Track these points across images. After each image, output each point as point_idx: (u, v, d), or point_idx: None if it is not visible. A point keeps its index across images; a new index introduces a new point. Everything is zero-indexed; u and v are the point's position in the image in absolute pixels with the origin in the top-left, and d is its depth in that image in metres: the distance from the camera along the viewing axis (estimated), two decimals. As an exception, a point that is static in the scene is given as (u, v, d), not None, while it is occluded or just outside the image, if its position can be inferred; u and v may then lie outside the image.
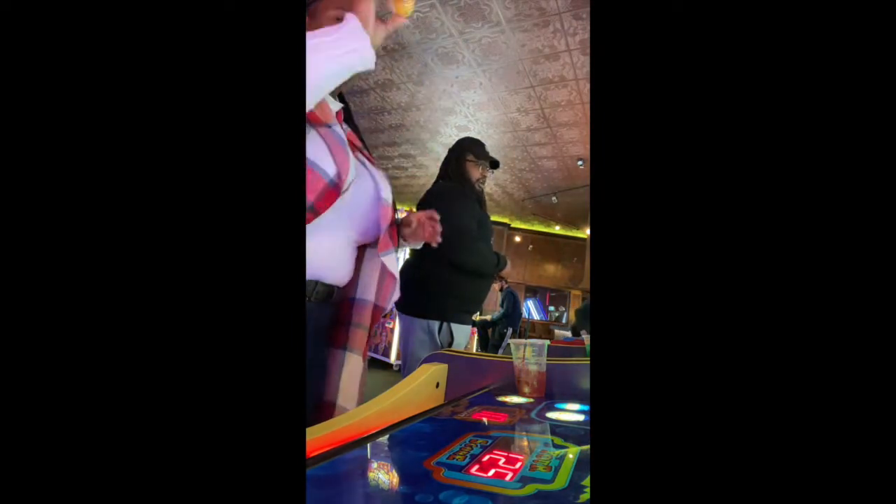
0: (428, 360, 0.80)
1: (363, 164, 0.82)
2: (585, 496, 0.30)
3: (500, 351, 5.24)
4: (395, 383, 0.68)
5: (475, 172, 1.62)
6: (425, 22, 3.05)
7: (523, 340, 0.75)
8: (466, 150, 1.63)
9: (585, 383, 0.73)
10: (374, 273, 0.83)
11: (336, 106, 0.81)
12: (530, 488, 0.32)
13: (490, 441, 0.43)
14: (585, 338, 1.25)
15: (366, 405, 0.59)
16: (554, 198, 6.42)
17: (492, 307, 6.10)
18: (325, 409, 0.74)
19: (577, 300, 8.77)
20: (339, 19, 0.69)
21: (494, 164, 1.67)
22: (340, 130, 0.75)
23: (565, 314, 9.05)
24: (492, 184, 6.45)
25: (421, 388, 0.71)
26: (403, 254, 1.16)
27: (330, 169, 0.68)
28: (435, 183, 1.65)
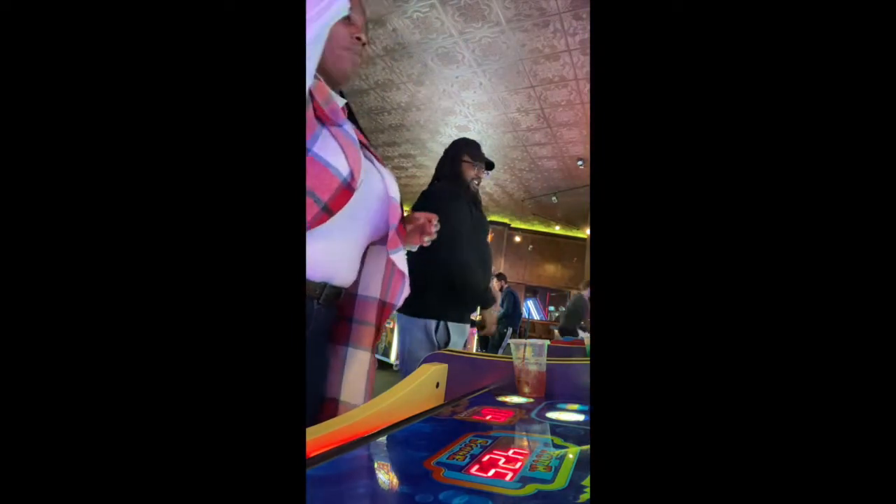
0: (428, 360, 0.80)
1: (371, 161, 0.81)
2: (585, 496, 0.30)
3: (500, 351, 5.24)
4: (395, 383, 0.68)
5: (470, 173, 1.62)
6: (425, 22, 3.05)
7: (523, 340, 0.75)
8: (462, 151, 1.63)
9: (585, 383, 0.73)
10: (379, 270, 0.83)
11: (340, 102, 0.80)
12: (530, 488, 0.32)
13: (490, 441, 0.43)
14: (585, 337, 1.25)
15: (366, 405, 0.59)
16: (554, 198, 6.42)
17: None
18: (329, 406, 0.74)
19: (576, 300, 8.76)
20: None
21: (490, 166, 1.68)
22: (350, 129, 0.74)
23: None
24: (492, 184, 6.45)
25: (421, 388, 0.71)
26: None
27: (343, 168, 0.67)
28: (430, 184, 1.65)
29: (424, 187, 1.65)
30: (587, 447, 0.42)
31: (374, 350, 0.83)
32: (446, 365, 0.79)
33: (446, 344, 1.50)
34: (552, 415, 0.59)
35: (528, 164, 5.58)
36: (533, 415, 0.59)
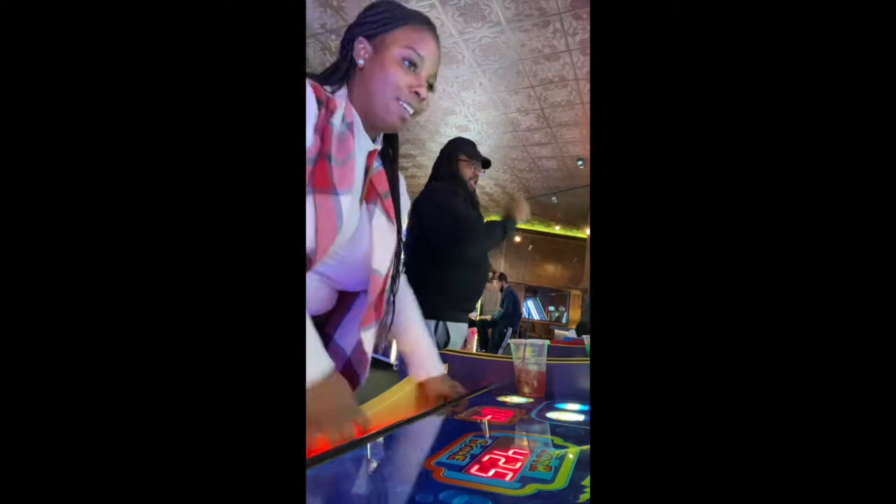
0: (428, 360, 0.80)
1: (379, 216, 0.71)
2: (585, 496, 0.30)
3: (500, 351, 5.25)
4: (395, 383, 0.68)
5: (467, 172, 1.62)
6: (425, 22, 3.04)
7: (523, 340, 0.75)
8: (458, 150, 1.63)
9: (585, 383, 0.73)
10: (353, 338, 0.74)
11: (370, 146, 0.70)
12: (530, 488, 0.32)
13: (490, 441, 0.43)
14: (585, 338, 1.25)
15: (365, 405, 0.59)
16: (554, 198, 6.42)
17: (493, 307, 6.10)
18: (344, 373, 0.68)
19: (577, 300, 8.77)
20: (407, 60, 0.65)
21: (486, 164, 1.68)
22: (349, 200, 0.63)
23: (565, 314, 9.05)
24: (492, 184, 6.45)
25: (409, 397, 0.71)
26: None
27: (308, 243, 0.59)
28: (427, 184, 1.66)
29: (423, 188, 1.66)
30: (587, 447, 0.42)
31: (371, 325, 0.74)
32: (446, 365, 0.79)
33: (446, 344, 1.50)
34: (552, 415, 0.59)
35: (528, 164, 5.58)
36: (533, 415, 0.59)
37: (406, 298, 0.87)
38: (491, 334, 5.79)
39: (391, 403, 0.68)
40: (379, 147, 0.72)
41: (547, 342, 0.76)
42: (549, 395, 0.73)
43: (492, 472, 0.34)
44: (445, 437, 0.43)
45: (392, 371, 4.81)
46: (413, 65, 0.67)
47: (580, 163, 5.19)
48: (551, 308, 9.35)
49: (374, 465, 0.38)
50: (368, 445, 0.41)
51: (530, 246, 8.85)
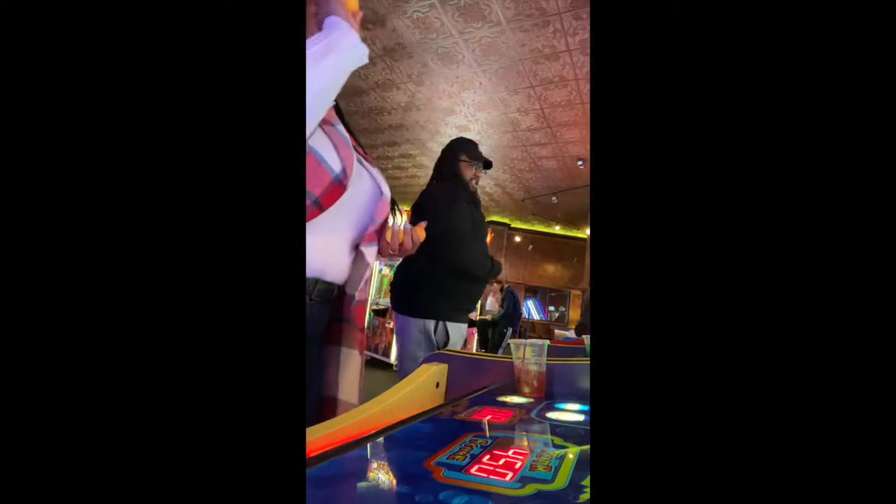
0: (428, 360, 0.80)
1: (360, 161, 0.82)
2: (585, 496, 0.30)
3: (500, 351, 5.25)
4: (395, 383, 0.68)
5: (468, 173, 1.62)
6: (425, 22, 3.05)
7: (523, 340, 0.75)
8: (460, 151, 1.63)
9: (585, 383, 0.73)
10: (362, 268, 0.83)
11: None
12: (530, 488, 0.32)
13: (490, 441, 0.43)
14: (585, 338, 1.25)
15: (366, 405, 0.59)
16: (554, 198, 6.42)
17: (493, 307, 6.10)
18: (328, 405, 0.74)
19: (577, 300, 8.77)
20: (317, 16, 0.70)
21: (487, 165, 1.68)
22: (343, 129, 0.75)
23: (565, 314, 9.06)
24: (492, 184, 6.46)
25: (421, 388, 0.71)
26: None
27: (336, 164, 0.68)
28: (429, 184, 1.66)
29: (424, 188, 1.66)
30: (587, 447, 0.42)
31: (363, 350, 0.83)
32: (446, 365, 0.79)
33: (445, 344, 1.50)
34: (552, 415, 0.59)
35: (528, 164, 5.58)
36: (533, 415, 0.59)
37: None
38: (491, 334, 5.80)
39: (412, 389, 0.68)
40: (335, 102, 0.81)
41: (547, 342, 0.76)
42: (549, 395, 0.73)
43: (492, 472, 0.34)
44: (445, 437, 0.43)
45: (393, 371, 4.82)
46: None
47: (580, 163, 5.19)
48: (551, 308, 9.36)
49: (374, 465, 0.38)
50: (368, 445, 0.41)
51: (530, 246, 8.85)
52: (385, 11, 2.96)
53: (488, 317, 5.91)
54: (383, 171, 0.86)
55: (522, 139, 4.88)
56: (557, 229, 8.69)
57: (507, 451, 0.40)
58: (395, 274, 1.62)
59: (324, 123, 0.71)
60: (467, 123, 4.64)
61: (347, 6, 0.69)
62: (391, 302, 1.59)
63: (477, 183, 1.65)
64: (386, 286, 5.72)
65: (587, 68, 3.34)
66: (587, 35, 2.96)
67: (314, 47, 0.60)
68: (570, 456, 0.39)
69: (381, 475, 0.36)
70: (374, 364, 5.18)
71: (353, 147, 0.82)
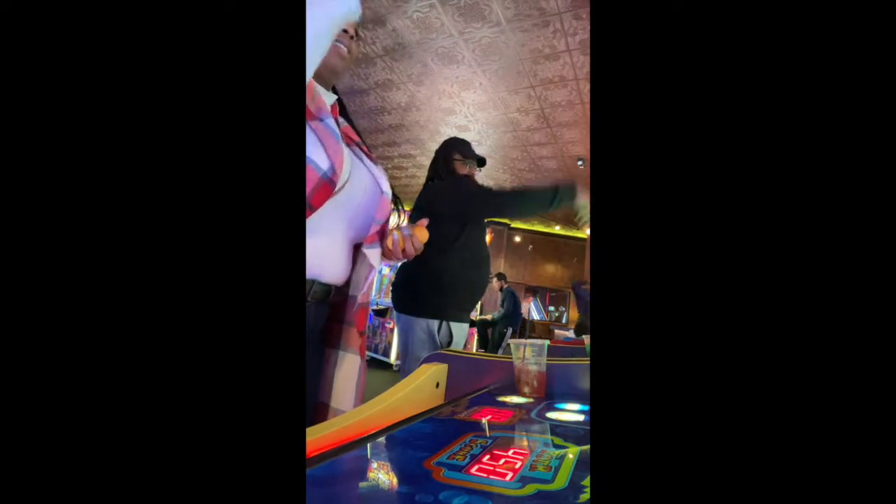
0: (428, 360, 0.80)
1: (360, 158, 0.81)
2: (585, 496, 0.30)
3: (500, 351, 5.25)
4: (395, 383, 0.68)
5: (462, 171, 1.62)
6: (425, 22, 3.05)
7: (523, 340, 0.75)
8: (453, 150, 1.64)
9: (585, 383, 0.73)
10: (364, 270, 0.82)
11: (330, 99, 0.80)
12: (530, 488, 0.32)
13: (490, 441, 0.43)
14: (585, 338, 1.25)
15: (366, 405, 0.59)
16: (554, 198, 6.40)
17: (493, 307, 6.11)
18: (319, 411, 0.74)
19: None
20: None
21: (481, 162, 1.68)
22: (333, 124, 0.73)
23: (565, 314, 9.05)
24: (492, 184, 6.45)
25: (421, 388, 0.71)
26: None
27: (323, 162, 0.67)
28: (425, 185, 1.66)
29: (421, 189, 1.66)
30: (587, 447, 0.42)
31: (364, 352, 0.82)
32: (446, 365, 0.79)
33: (448, 343, 1.50)
34: (552, 415, 0.59)
35: (528, 164, 5.58)
36: (533, 415, 0.59)
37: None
38: (491, 334, 5.80)
39: (412, 389, 0.68)
40: (336, 97, 0.82)
41: (547, 342, 0.76)
42: (549, 395, 0.73)
43: (492, 472, 0.34)
44: (445, 437, 0.43)
45: (392, 371, 4.82)
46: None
47: (580, 163, 5.19)
48: (551, 308, 9.35)
49: (374, 465, 0.38)
50: (368, 445, 0.41)
51: (530, 246, 8.85)
52: (385, 11, 2.96)
53: (488, 317, 5.91)
54: (382, 168, 0.85)
55: (522, 139, 4.88)
56: (557, 229, 8.69)
57: (507, 451, 0.40)
58: (397, 274, 1.62)
59: (310, 119, 0.69)
60: (467, 123, 4.63)
61: None
62: (393, 302, 1.59)
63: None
64: (386, 285, 5.72)
65: (587, 68, 3.34)
66: (587, 35, 2.96)
67: None
68: (570, 456, 0.39)
69: (381, 475, 0.36)
70: (375, 364, 5.18)
71: (357, 143, 0.82)
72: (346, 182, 0.71)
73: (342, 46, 0.79)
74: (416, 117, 4.66)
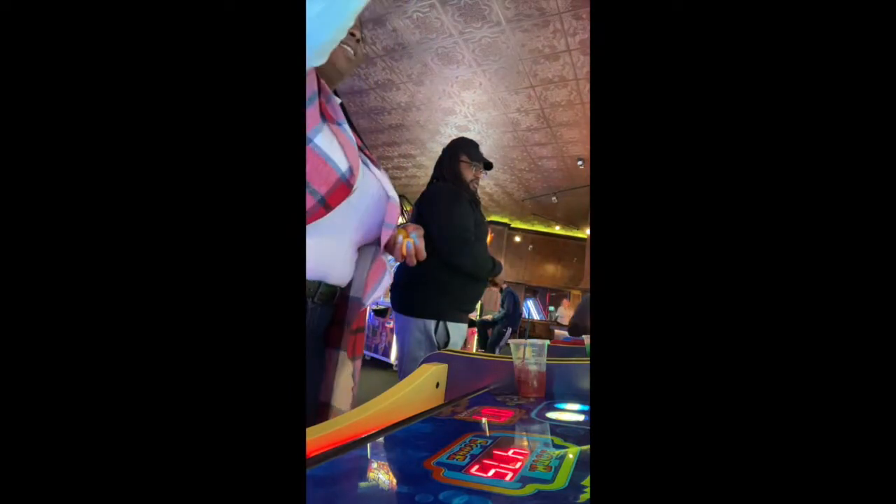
0: (428, 360, 0.80)
1: (365, 163, 0.82)
2: (585, 496, 0.30)
3: (498, 350, 5.25)
4: (394, 383, 0.68)
5: (469, 173, 1.62)
6: (425, 22, 3.05)
7: (523, 340, 0.75)
8: (460, 151, 1.63)
9: (585, 383, 0.73)
10: (365, 271, 0.83)
11: (336, 101, 0.81)
12: (530, 488, 0.32)
13: (490, 441, 0.43)
14: (585, 338, 1.25)
15: (366, 405, 0.59)
16: (554, 198, 6.42)
17: (493, 307, 6.11)
18: (320, 411, 0.74)
19: (577, 300, 8.76)
20: None
21: (488, 166, 1.67)
22: (349, 128, 0.75)
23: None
24: (492, 184, 6.45)
25: (421, 388, 0.71)
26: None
27: (342, 164, 0.68)
28: (429, 184, 1.65)
29: (424, 188, 1.65)
30: (587, 447, 0.42)
31: (360, 353, 0.83)
32: (446, 365, 0.79)
33: (446, 344, 1.50)
34: (552, 415, 0.59)
35: (528, 164, 5.58)
36: (533, 415, 0.59)
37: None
38: (490, 334, 5.80)
39: (412, 389, 0.68)
40: (340, 101, 0.82)
41: (547, 342, 0.76)
42: (549, 395, 0.73)
43: (492, 472, 0.34)
44: (445, 437, 0.43)
45: (392, 371, 4.81)
46: None
47: (580, 163, 5.19)
48: (551, 308, 9.35)
49: (374, 465, 0.38)
50: (368, 445, 0.41)
51: (530, 246, 8.85)
52: (385, 11, 2.96)
53: (488, 317, 5.91)
54: (384, 170, 0.85)
55: (522, 139, 4.88)
56: (557, 229, 8.69)
57: (507, 451, 0.40)
58: (396, 274, 1.62)
59: (330, 122, 0.70)
60: (467, 123, 4.63)
61: None
62: (391, 302, 1.59)
63: (477, 184, 1.65)
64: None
65: (587, 68, 3.34)
66: (587, 35, 2.96)
67: None
68: (570, 456, 0.39)
69: (381, 475, 0.36)
70: (375, 364, 5.18)
71: (360, 148, 0.82)
72: (356, 185, 0.72)
73: (348, 48, 0.79)
74: (416, 117, 4.66)
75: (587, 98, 3.78)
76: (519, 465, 0.36)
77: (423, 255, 0.85)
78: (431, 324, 1.49)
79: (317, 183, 0.64)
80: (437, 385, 0.76)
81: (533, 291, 8.84)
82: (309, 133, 0.65)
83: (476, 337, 5.81)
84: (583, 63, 3.33)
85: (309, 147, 0.64)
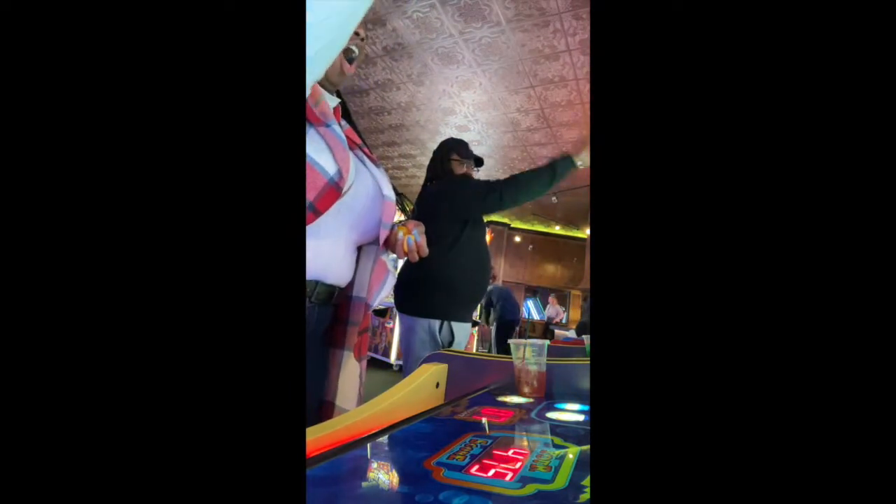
0: (428, 360, 0.80)
1: (362, 161, 0.81)
2: (585, 496, 0.30)
3: (495, 348, 5.25)
4: (395, 383, 0.68)
5: (460, 171, 1.63)
6: (425, 22, 3.05)
7: (523, 340, 0.75)
8: (450, 150, 1.65)
9: (585, 383, 0.73)
10: (367, 271, 0.83)
11: (333, 102, 0.81)
12: (530, 488, 0.32)
13: (490, 441, 0.43)
14: (585, 338, 1.25)
15: (366, 405, 0.59)
16: (554, 198, 6.42)
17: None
18: (326, 409, 0.74)
19: (577, 300, 8.77)
20: None
21: (479, 162, 1.68)
22: (339, 129, 0.74)
23: (565, 315, 9.05)
24: (491, 183, 6.45)
25: (421, 388, 0.71)
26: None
27: (330, 167, 0.67)
28: (423, 186, 1.66)
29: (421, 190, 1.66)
30: (587, 447, 0.42)
31: (365, 353, 0.83)
32: (446, 365, 0.79)
33: (450, 344, 1.50)
34: (552, 415, 0.59)
35: (528, 164, 5.58)
36: (533, 415, 0.59)
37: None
38: (488, 315, 5.79)
39: (412, 389, 0.69)
40: (339, 101, 0.82)
41: (547, 342, 0.76)
42: (549, 395, 0.73)
43: (492, 472, 0.34)
44: (445, 437, 0.43)
45: (393, 371, 4.82)
46: None
47: (580, 163, 5.18)
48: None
49: (374, 465, 0.38)
50: (368, 445, 0.41)
51: (530, 246, 8.85)
52: (385, 11, 2.96)
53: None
54: (383, 169, 0.85)
55: (522, 139, 4.88)
56: (557, 229, 8.69)
57: (507, 451, 0.40)
58: (399, 275, 1.62)
59: (317, 124, 0.70)
60: (467, 123, 4.64)
61: None
62: (395, 302, 1.59)
63: None
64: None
65: (587, 68, 3.34)
66: (587, 35, 2.96)
67: None
68: (570, 456, 0.39)
69: (381, 475, 0.36)
70: (375, 364, 5.18)
71: (359, 146, 0.82)
72: (350, 185, 0.72)
73: (352, 48, 0.79)
74: (416, 117, 4.66)
75: (587, 98, 3.78)
76: (519, 465, 0.36)
77: (426, 250, 0.84)
78: (436, 324, 1.49)
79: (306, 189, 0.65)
80: (437, 385, 0.76)
81: (533, 291, 8.84)
82: None
83: (476, 337, 5.81)
84: (583, 63, 3.33)
85: None
